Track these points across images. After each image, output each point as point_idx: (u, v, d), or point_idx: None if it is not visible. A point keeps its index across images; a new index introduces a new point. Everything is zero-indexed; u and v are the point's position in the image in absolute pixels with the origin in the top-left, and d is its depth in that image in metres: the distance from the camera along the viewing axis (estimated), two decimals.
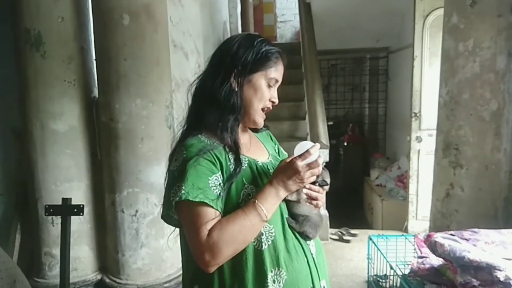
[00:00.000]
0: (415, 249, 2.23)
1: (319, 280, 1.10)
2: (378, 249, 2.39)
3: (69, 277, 2.04)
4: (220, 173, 1.02)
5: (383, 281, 2.50)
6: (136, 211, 2.43)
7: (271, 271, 1.02)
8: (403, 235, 2.53)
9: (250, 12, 6.42)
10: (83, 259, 2.64)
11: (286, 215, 1.08)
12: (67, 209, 2.04)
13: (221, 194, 1.01)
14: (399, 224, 4.16)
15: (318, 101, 4.26)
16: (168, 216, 1.05)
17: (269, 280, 1.01)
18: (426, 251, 2.03)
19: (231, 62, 1.08)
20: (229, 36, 5.15)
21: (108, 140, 2.44)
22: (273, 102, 1.15)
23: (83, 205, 2.06)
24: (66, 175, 2.54)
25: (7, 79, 2.67)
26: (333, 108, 7.89)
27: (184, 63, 2.90)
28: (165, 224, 1.10)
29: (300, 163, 1.01)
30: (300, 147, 1.04)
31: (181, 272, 1.19)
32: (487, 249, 1.80)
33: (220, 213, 1.00)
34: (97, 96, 2.58)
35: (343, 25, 5.88)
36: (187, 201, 0.97)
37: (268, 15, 7.57)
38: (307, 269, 1.08)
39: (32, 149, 2.51)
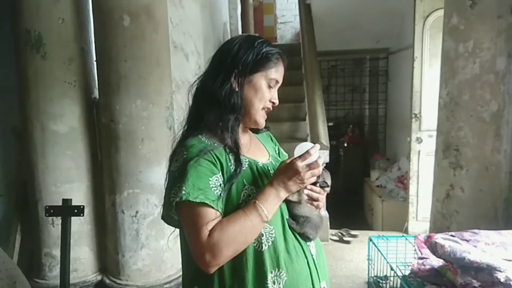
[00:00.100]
0: (415, 250, 2.23)
1: (319, 281, 1.10)
2: (378, 250, 2.40)
3: (69, 278, 2.04)
4: (220, 173, 1.02)
5: (384, 282, 2.50)
6: (136, 212, 2.43)
7: (271, 272, 1.02)
8: (403, 236, 2.53)
9: (250, 13, 6.42)
10: (83, 260, 2.64)
11: (286, 216, 1.08)
12: (67, 210, 2.04)
13: (222, 194, 1.01)
14: (399, 225, 4.16)
15: (318, 102, 4.26)
16: (169, 216, 1.05)
17: (269, 281, 1.01)
18: (426, 252, 2.03)
19: (232, 63, 1.09)
20: (229, 37, 5.16)
21: (109, 141, 2.44)
22: (273, 102, 1.15)
23: (83, 206, 2.06)
24: (67, 176, 2.54)
25: (7, 80, 2.68)
26: (333, 109, 7.89)
27: (185, 64, 2.90)
28: (165, 225, 1.10)
29: (300, 164, 1.01)
30: (300, 148, 1.04)
31: (181, 273, 1.19)
32: (487, 250, 1.80)
33: (221, 213, 1.00)
34: (97, 97, 2.58)
35: (343, 26, 5.89)
36: (188, 202, 0.97)
37: (268, 16, 7.57)
38: (307, 270, 1.07)
39: (33, 150, 2.52)
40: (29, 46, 2.43)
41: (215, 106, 1.08)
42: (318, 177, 1.07)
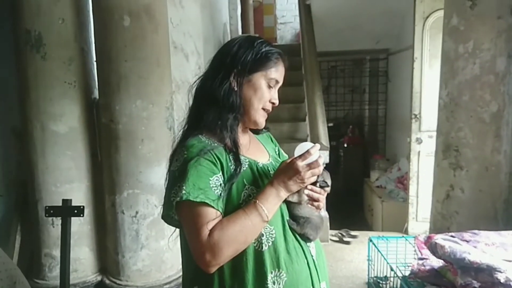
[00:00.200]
0: (415, 250, 2.23)
1: (319, 282, 1.10)
2: (378, 250, 2.40)
3: (69, 278, 2.04)
4: (221, 173, 1.02)
5: (384, 282, 2.50)
6: (136, 212, 2.43)
7: (271, 272, 1.02)
8: (403, 236, 2.53)
9: (250, 13, 6.43)
10: (83, 260, 2.64)
11: (286, 216, 1.08)
12: (67, 210, 2.04)
13: (222, 194, 1.01)
14: (399, 225, 4.16)
15: (318, 103, 4.26)
16: (169, 216, 1.05)
17: (269, 281, 1.01)
18: (426, 252, 2.03)
19: (231, 62, 1.09)
20: (229, 37, 5.17)
21: (109, 141, 2.44)
22: (273, 103, 1.15)
23: (83, 206, 2.06)
24: (67, 176, 2.54)
25: (7, 80, 2.68)
26: (333, 110, 7.89)
27: (185, 64, 2.90)
28: (165, 225, 1.09)
29: (301, 163, 1.01)
30: (300, 148, 1.05)
31: (181, 273, 1.19)
32: (487, 250, 1.80)
33: (221, 213, 1.00)
34: (97, 97, 2.58)
35: (343, 26, 5.89)
36: (188, 201, 0.97)
37: (268, 17, 7.58)
38: (307, 271, 1.07)
39: (33, 150, 2.51)
40: (29, 46, 2.43)
41: (214, 105, 1.08)
42: (318, 177, 1.07)
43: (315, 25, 5.21)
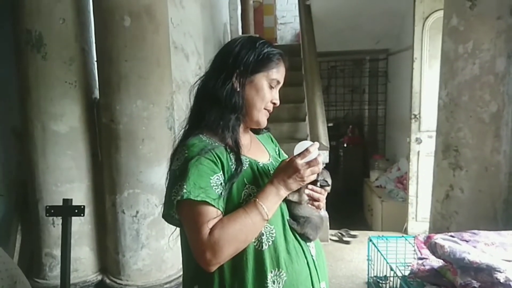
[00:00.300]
0: (415, 250, 2.23)
1: (319, 282, 1.10)
2: (378, 250, 2.40)
3: (69, 278, 2.04)
4: (221, 172, 1.03)
5: (383, 282, 2.50)
6: (137, 212, 2.44)
7: (271, 272, 1.02)
8: (403, 236, 2.53)
9: (250, 14, 6.43)
10: (84, 260, 2.64)
11: (287, 216, 1.09)
12: (68, 210, 2.04)
13: (223, 193, 1.01)
14: (399, 225, 4.16)
15: (318, 103, 4.26)
16: (169, 215, 1.05)
17: (268, 281, 1.01)
18: (426, 252, 2.03)
19: (233, 63, 1.09)
20: (229, 37, 5.17)
21: (109, 141, 2.44)
22: (274, 103, 1.16)
23: (83, 206, 2.06)
24: (67, 176, 2.54)
25: (7, 79, 2.68)
26: (332, 110, 7.89)
27: (185, 64, 2.91)
28: (166, 224, 1.10)
29: (300, 161, 1.02)
30: (300, 147, 1.05)
31: (181, 273, 1.19)
32: (487, 250, 1.80)
33: (222, 212, 1.00)
34: (98, 97, 2.59)
35: (343, 27, 5.89)
36: (189, 200, 0.97)
37: (268, 17, 7.57)
38: (307, 271, 1.08)
39: (33, 150, 2.52)
40: (30, 46, 2.43)
41: (216, 105, 1.08)
42: (319, 176, 1.07)
43: (315, 26, 5.22)
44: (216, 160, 1.03)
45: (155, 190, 2.43)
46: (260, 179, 1.09)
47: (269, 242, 1.03)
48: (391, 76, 6.84)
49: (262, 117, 1.15)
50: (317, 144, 1.05)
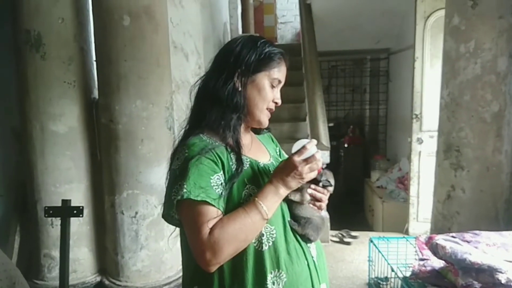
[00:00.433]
0: (416, 251, 2.22)
1: (319, 284, 1.10)
2: (379, 251, 2.39)
3: (68, 279, 2.04)
4: (222, 172, 1.02)
5: (384, 283, 2.50)
6: (136, 212, 2.43)
7: (271, 273, 1.01)
8: (404, 237, 2.52)
9: (251, 13, 6.43)
10: (83, 261, 2.63)
11: (288, 217, 1.08)
12: (66, 211, 2.04)
13: (223, 193, 1.01)
14: (400, 226, 4.15)
15: (319, 103, 4.26)
16: (169, 215, 1.05)
17: (268, 282, 1.00)
18: (427, 253, 2.02)
19: (234, 62, 1.09)
20: (229, 37, 5.17)
21: (108, 142, 2.43)
22: (276, 103, 1.15)
23: (82, 206, 2.06)
24: (66, 176, 2.54)
25: (6, 79, 2.67)
26: (333, 110, 7.89)
27: (185, 64, 2.90)
28: (165, 225, 1.10)
29: (297, 159, 1.01)
30: (297, 145, 1.04)
31: (180, 274, 1.18)
32: (488, 251, 1.79)
33: (222, 212, 1.00)
34: (97, 97, 2.58)
35: (344, 26, 5.89)
36: (189, 200, 0.96)
37: (268, 16, 7.57)
38: (307, 272, 1.07)
39: (32, 151, 2.51)
40: (29, 46, 2.43)
41: (217, 105, 1.08)
42: (322, 176, 1.06)
43: (315, 25, 5.21)
44: (217, 159, 1.02)
45: (154, 191, 2.42)
46: (260, 179, 1.08)
47: (269, 242, 1.03)
48: (392, 75, 6.84)
49: (264, 117, 1.15)
50: (314, 141, 1.04)
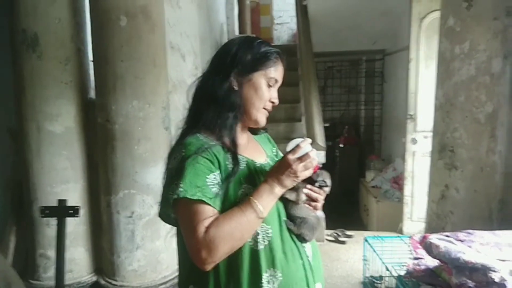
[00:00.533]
0: (410, 250, 2.24)
1: (314, 283, 1.10)
2: (373, 250, 2.40)
3: (64, 279, 2.03)
4: (218, 171, 1.03)
5: (379, 282, 2.51)
6: (132, 212, 2.43)
7: (266, 272, 1.02)
8: (398, 236, 2.54)
9: (247, 14, 6.41)
10: (79, 261, 2.63)
11: (283, 216, 1.09)
12: (62, 211, 2.03)
13: (219, 192, 1.02)
14: (394, 225, 4.17)
15: (315, 103, 4.27)
16: (165, 214, 1.05)
17: (263, 280, 1.01)
18: (421, 252, 2.04)
19: (231, 62, 1.10)
20: (226, 37, 5.16)
21: (105, 142, 2.43)
22: (273, 102, 1.16)
23: (79, 206, 2.05)
24: (62, 176, 2.53)
25: (3, 79, 2.66)
26: (329, 110, 7.90)
27: (181, 64, 2.90)
28: (161, 225, 1.10)
29: (291, 157, 1.02)
30: (292, 144, 1.05)
31: (176, 273, 1.19)
32: (482, 250, 1.81)
33: (218, 211, 1.00)
34: (93, 97, 2.57)
35: (340, 27, 5.90)
36: (185, 199, 0.97)
37: (265, 17, 7.56)
38: (303, 272, 1.08)
39: (28, 151, 2.50)
40: (25, 46, 2.42)
41: (214, 104, 1.09)
42: (318, 176, 1.07)
43: (311, 26, 5.23)
44: (213, 159, 1.03)
45: (150, 191, 2.42)
46: (256, 179, 1.09)
47: (265, 242, 1.03)
48: (387, 76, 6.86)
49: (261, 116, 1.15)
50: (308, 140, 1.05)
